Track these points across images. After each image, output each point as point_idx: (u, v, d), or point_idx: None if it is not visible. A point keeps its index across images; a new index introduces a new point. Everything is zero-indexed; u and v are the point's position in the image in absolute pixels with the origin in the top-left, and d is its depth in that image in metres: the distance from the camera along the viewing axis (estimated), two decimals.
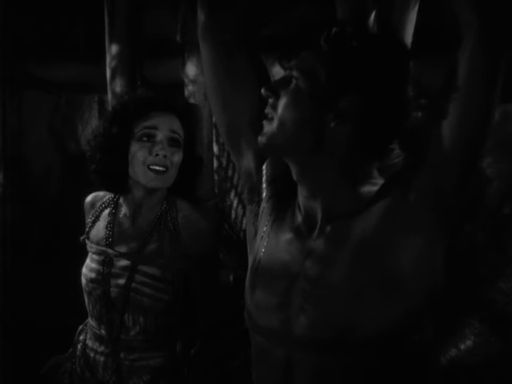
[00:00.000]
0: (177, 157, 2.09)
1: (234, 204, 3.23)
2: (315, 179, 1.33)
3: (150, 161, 2.04)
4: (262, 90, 1.35)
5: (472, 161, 1.24)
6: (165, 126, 2.08)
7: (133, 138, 2.07)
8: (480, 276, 2.66)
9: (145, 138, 2.06)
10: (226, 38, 1.49)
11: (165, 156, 2.05)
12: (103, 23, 3.00)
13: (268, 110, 1.35)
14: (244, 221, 3.17)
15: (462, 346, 2.71)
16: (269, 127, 1.33)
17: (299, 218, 1.37)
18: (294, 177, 1.37)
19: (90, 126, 3.58)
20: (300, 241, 1.35)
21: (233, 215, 3.24)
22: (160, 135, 2.06)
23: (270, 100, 1.35)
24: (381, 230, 1.26)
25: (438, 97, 1.26)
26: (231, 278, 2.80)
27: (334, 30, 1.29)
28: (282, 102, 1.32)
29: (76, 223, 2.35)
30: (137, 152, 2.05)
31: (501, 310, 2.70)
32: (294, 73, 1.32)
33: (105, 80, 3.01)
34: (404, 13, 1.56)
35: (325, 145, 1.30)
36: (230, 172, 3.21)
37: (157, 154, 2.04)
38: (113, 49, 2.94)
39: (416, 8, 1.58)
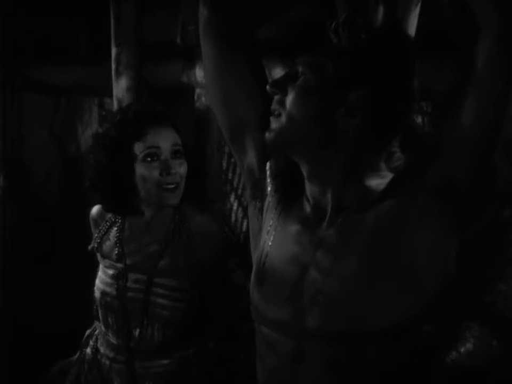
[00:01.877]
0: (183, 168, 2.07)
1: (234, 207, 3.24)
2: (324, 173, 1.33)
3: (163, 182, 2.02)
4: (268, 87, 1.35)
5: (487, 154, 1.26)
6: (165, 141, 2.05)
7: (135, 160, 2.04)
8: (480, 278, 2.66)
9: (149, 159, 2.03)
10: (229, 33, 1.47)
11: (175, 173, 2.04)
12: (104, 26, 3.00)
13: (274, 106, 1.34)
14: (244, 224, 3.18)
15: (462, 349, 2.71)
16: (277, 123, 1.33)
17: (307, 209, 1.37)
18: (303, 171, 1.37)
19: (90, 129, 3.58)
20: (309, 232, 1.34)
21: (233, 218, 3.24)
22: (164, 152, 2.04)
23: (276, 96, 1.34)
24: (393, 222, 1.26)
25: (454, 91, 1.27)
26: (241, 278, 2.80)
27: (341, 22, 1.30)
28: (290, 98, 1.31)
29: (76, 226, 2.34)
30: (147, 174, 2.02)
31: (501, 313, 2.70)
32: (301, 68, 1.32)
33: (106, 83, 3.01)
34: (406, 15, 1.56)
35: (334, 138, 1.30)
36: (230, 175, 3.21)
37: (168, 174, 2.02)
38: (118, 52, 2.94)
39: (417, 11, 1.58)
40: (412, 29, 1.58)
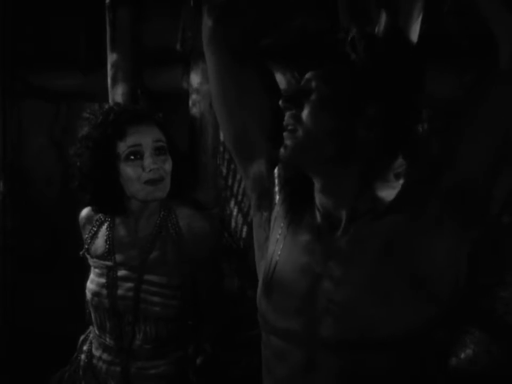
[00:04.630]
0: (168, 164, 2.08)
1: (234, 213, 3.23)
2: (338, 185, 1.33)
3: (145, 177, 2.03)
4: (281, 102, 1.33)
5: (502, 160, 1.26)
6: (147, 139, 2.05)
7: (119, 160, 2.05)
8: (480, 284, 2.66)
9: (132, 157, 2.04)
10: (235, 44, 1.46)
11: (157, 168, 2.04)
12: (104, 32, 3.00)
13: (288, 121, 1.33)
14: (244, 230, 3.17)
15: (462, 355, 2.71)
16: (293, 139, 1.32)
17: (318, 219, 1.37)
18: (316, 184, 1.36)
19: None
20: (320, 241, 1.35)
21: (233, 224, 3.24)
22: (146, 150, 2.04)
23: (290, 111, 1.33)
24: (405, 232, 1.27)
25: (466, 101, 1.28)
26: (236, 285, 2.80)
27: (358, 35, 1.29)
28: (307, 112, 1.30)
29: (76, 232, 2.35)
30: (130, 172, 2.03)
31: (501, 319, 2.70)
32: (314, 82, 1.31)
33: (105, 89, 3.01)
34: (408, 22, 1.56)
35: (351, 152, 1.30)
36: (230, 181, 3.21)
37: (150, 170, 2.03)
38: (114, 58, 2.94)
39: (420, 19, 1.58)
40: (414, 35, 1.58)
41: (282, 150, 1.34)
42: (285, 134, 1.34)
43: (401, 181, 1.40)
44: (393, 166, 1.44)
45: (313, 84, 1.31)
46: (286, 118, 1.34)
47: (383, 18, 1.46)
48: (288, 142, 1.33)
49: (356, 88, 1.28)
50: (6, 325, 3.60)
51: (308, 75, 1.33)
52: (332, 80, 1.29)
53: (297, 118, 1.31)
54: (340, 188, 1.34)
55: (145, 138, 2.05)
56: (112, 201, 2.09)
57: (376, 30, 1.47)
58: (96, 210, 2.17)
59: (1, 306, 3.61)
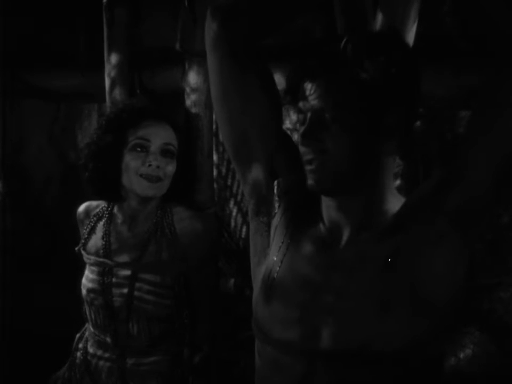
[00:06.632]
0: (171, 168, 2.09)
1: (234, 213, 3.23)
2: (352, 199, 1.33)
3: (142, 171, 2.05)
4: (301, 142, 1.30)
5: (510, 171, 1.25)
6: (158, 137, 2.08)
7: (126, 148, 2.07)
8: (479, 285, 2.66)
9: (138, 149, 2.06)
10: (238, 49, 1.44)
11: (158, 167, 2.05)
12: (103, 32, 3.01)
13: (312, 155, 1.30)
14: (244, 230, 3.17)
15: (462, 355, 2.70)
16: (323, 171, 1.29)
17: (322, 230, 1.37)
18: (329, 201, 1.35)
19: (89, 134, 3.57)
20: (324, 253, 1.34)
21: (232, 224, 3.23)
22: (153, 147, 2.06)
23: (309, 146, 1.30)
24: (408, 247, 1.27)
25: (476, 113, 1.28)
26: (231, 285, 2.80)
27: (364, 52, 1.27)
28: (334, 141, 1.27)
29: (76, 232, 2.35)
30: (131, 162, 2.06)
31: (500, 320, 2.70)
32: (330, 113, 1.27)
33: (105, 89, 3.01)
34: (405, 23, 1.56)
35: (371, 163, 1.30)
36: (229, 181, 3.20)
37: (150, 165, 2.04)
38: (113, 58, 2.94)
39: (417, 19, 1.58)
40: (410, 35, 1.58)
41: (312, 182, 1.32)
42: (310, 167, 1.31)
43: (398, 182, 1.39)
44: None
45: (330, 113, 1.28)
46: (306, 151, 1.31)
47: (379, 18, 1.46)
48: (317, 174, 1.30)
49: (372, 103, 1.26)
50: (5, 325, 3.59)
51: (311, 103, 1.30)
52: (348, 104, 1.27)
53: (320, 149, 1.29)
54: (353, 203, 1.33)
55: (157, 137, 2.08)
56: (107, 184, 2.10)
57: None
58: (92, 192, 2.19)
59: (1, 307, 3.61)
